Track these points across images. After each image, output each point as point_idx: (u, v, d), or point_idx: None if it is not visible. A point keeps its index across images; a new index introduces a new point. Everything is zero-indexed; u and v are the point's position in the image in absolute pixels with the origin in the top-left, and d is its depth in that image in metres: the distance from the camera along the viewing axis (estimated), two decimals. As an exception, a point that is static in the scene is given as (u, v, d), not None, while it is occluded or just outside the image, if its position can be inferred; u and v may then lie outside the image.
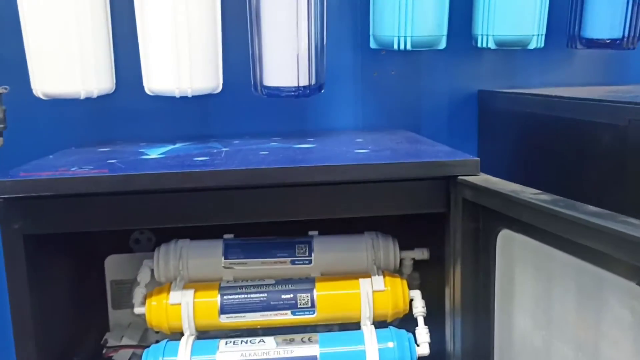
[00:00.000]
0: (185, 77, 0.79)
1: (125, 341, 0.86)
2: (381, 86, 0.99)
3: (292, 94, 0.82)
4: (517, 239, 0.56)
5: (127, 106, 0.91)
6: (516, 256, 0.58)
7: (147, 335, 0.86)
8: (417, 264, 0.80)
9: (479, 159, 0.62)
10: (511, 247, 0.58)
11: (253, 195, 0.63)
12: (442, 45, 0.91)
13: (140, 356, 0.75)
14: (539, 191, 0.52)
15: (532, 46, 0.91)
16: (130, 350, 0.85)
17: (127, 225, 0.64)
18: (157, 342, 0.73)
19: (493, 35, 0.90)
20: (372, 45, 0.94)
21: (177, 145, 0.82)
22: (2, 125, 0.79)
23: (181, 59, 0.78)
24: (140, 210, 0.62)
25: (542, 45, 0.92)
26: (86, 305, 0.85)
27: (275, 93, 0.82)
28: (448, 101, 1.01)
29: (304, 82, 0.82)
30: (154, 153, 0.74)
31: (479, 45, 0.92)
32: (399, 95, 1.00)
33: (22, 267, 0.61)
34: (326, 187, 0.63)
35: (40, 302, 0.64)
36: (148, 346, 0.81)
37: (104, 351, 0.85)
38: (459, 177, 0.61)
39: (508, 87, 0.98)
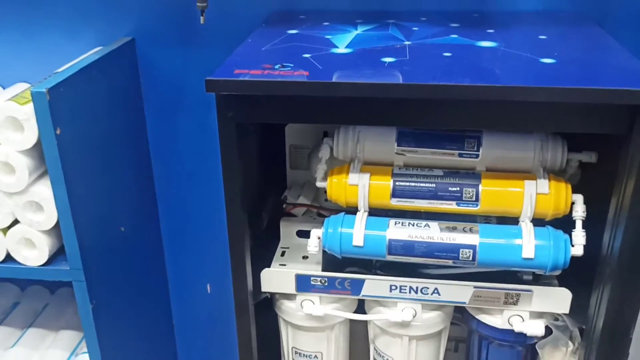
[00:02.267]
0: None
1: (301, 200, 0.99)
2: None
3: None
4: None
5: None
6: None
7: (319, 195, 0.99)
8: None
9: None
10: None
11: (433, 104, 0.67)
12: None
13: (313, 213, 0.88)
14: None
15: None
16: (305, 208, 0.98)
17: (319, 122, 0.72)
18: (334, 212, 0.85)
19: None
20: None
21: (359, 31, 0.86)
22: (204, 4, 0.87)
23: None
24: (332, 109, 0.69)
25: None
26: (269, 166, 0.98)
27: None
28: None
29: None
30: (341, 44, 0.79)
31: None
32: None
33: (233, 145, 0.72)
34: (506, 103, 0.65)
35: (241, 167, 0.76)
36: (320, 206, 0.94)
37: (283, 206, 0.99)
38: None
39: None
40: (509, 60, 0.72)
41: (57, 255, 0.93)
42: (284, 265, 0.91)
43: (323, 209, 0.95)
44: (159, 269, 1.26)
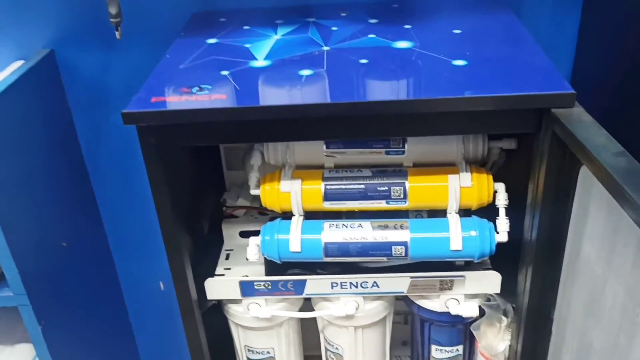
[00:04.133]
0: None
1: (240, 202, 1.01)
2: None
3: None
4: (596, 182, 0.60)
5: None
6: (594, 191, 0.63)
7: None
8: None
9: (574, 92, 0.64)
10: (591, 182, 0.63)
11: (351, 119, 0.69)
12: None
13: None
14: (621, 151, 0.55)
15: None
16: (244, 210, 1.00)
17: (243, 141, 0.73)
18: (272, 218, 0.87)
19: None
20: None
21: (279, 36, 0.86)
22: (118, 19, 0.85)
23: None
24: (253, 130, 0.70)
25: None
26: (205, 169, 0.98)
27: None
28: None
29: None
30: (260, 55, 0.79)
31: None
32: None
33: (158, 167, 0.73)
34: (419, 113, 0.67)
35: (170, 182, 0.76)
36: (260, 207, 0.96)
37: (223, 209, 1.00)
38: (552, 110, 0.64)
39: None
40: (423, 65, 0.74)
41: (-1, 280, 0.93)
42: (229, 269, 0.93)
43: (262, 209, 0.97)
44: (109, 274, 1.26)
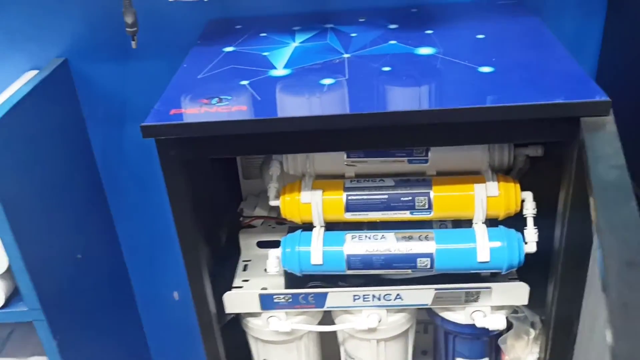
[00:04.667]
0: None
1: (258, 211, 0.99)
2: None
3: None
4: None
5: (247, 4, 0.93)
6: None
7: (276, 204, 0.98)
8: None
9: (610, 100, 0.61)
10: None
11: (375, 129, 0.67)
12: None
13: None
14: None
15: None
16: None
17: (264, 153, 0.72)
18: (290, 228, 0.84)
19: None
20: None
21: (297, 43, 0.84)
22: (134, 29, 0.84)
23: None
24: (275, 141, 0.68)
25: None
26: (222, 179, 0.97)
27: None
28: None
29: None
30: (279, 64, 0.77)
31: None
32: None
33: (178, 180, 0.71)
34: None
35: (189, 197, 0.74)
36: (278, 216, 0.94)
37: (240, 219, 0.98)
38: (582, 119, 0.62)
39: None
40: (448, 72, 0.72)
41: (14, 295, 0.91)
42: (247, 280, 0.91)
43: (280, 219, 0.95)
44: (123, 285, 1.25)
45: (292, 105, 0.69)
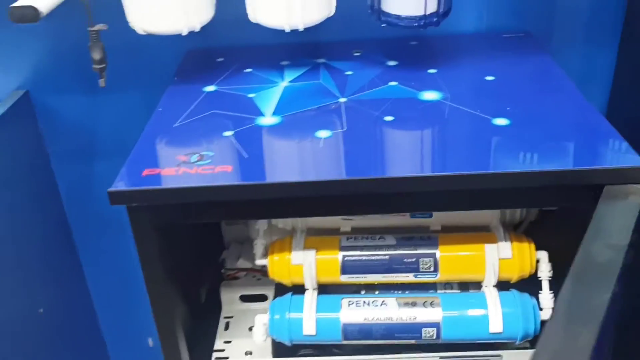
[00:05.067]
0: (297, 11, 0.69)
1: (241, 263, 0.89)
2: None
3: (416, 24, 0.71)
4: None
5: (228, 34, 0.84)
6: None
7: (261, 253, 0.89)
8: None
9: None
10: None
11: (377, 195, 0.58)
12: None
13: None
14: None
15: None
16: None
17: (250, 218, 0.63)
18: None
19: None
20: None
21: (287, 82, 0.75)
22: (102, 65, 0.74)
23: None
24: (264, 206, 0.59)
25: None
26: (202, 227, 0.87)
27: (395, 22, 0.72)
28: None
29: (432, 8, 0.70)
30: (267, 109, 0.69)
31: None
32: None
33: (153, 248, 0.62)
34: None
35: (164, 266, 0.65)
36: (264, 270, 0.85)
37: (222, 271, 0.89)
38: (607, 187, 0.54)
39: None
40: (458, 124, 0.64)
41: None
42: (229, 342, 0.82)
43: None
44: (93, 335, 1.14)
45: (284, 165, 0.60)
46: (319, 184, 0.55)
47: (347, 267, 0.72)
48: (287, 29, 0.70)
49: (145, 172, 0.58)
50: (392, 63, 0.79)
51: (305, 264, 0.72)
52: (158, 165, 0.59)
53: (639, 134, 0.84)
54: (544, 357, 0.41)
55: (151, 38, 0.79)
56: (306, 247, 0.72)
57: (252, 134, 0.64)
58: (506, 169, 0.55)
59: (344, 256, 0.72)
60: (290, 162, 0.60)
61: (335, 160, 0.59)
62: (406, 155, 0.60)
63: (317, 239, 0.74)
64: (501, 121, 0.63)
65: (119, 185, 0.56)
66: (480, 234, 0.72)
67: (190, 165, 0.58)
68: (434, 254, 0.71)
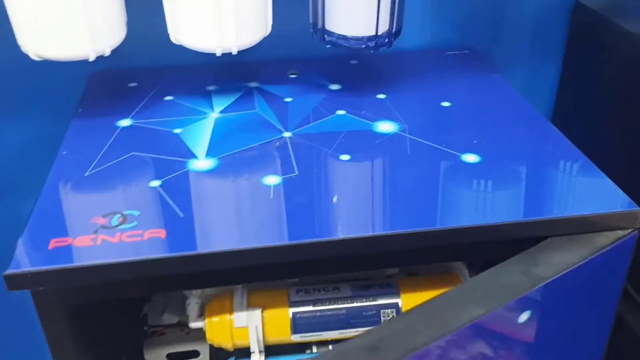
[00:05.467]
0: (231, 33, 0.58)
1: (167, 317, 0.78)
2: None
3: (364, 46, 0.63)
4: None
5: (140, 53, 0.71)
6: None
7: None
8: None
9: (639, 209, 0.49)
10: None
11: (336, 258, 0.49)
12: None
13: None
14: None
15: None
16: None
17: (181, 289, 0.52)
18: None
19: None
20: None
21: (217, 113, 0.65)
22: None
23: (225, 13, 0.57)
24: (203, 276, 0.49)
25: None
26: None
27: (341, 44, 0.63)
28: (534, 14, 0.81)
29: (384, 27, 0.62)
30: (200, 151, 0.58)
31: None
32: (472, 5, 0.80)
33: (62, 329, 0.49)
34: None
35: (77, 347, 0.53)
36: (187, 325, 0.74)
37: (145, 328, 0.77)
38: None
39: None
40: (426, 164, 0.56)
41: None
42: (158, 413, 0.70)
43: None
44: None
45: (228, 227, 0.49)
46: (272, 250, 0.45)
47: (298, 326, 0.62)
48: (219, 53, 0.60)
49: (54, 243, 0.45)
50: (335, 87, 0.71)
51: (250, 325, 0.62)
52: (68, 232, 0.47)
53: (582, 148, 0.82)
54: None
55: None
56: (250, 305, 0.62)
57: (184, 183, 0.53)
58: (491, 220, 0.48)
59: (294, 313, 0.62)
60: (237, 219, 0.50)
61: (289, 215, 0.49)
62: (369, 206, 0.51)
63: (262, 294, 0.64)
64: (471, 157, 0.56)
65: (18, 266, 0.43)
66: (442, 275, 0.65)
67: (112, 231, 0.47)
68: (396, 303, 0.63)
